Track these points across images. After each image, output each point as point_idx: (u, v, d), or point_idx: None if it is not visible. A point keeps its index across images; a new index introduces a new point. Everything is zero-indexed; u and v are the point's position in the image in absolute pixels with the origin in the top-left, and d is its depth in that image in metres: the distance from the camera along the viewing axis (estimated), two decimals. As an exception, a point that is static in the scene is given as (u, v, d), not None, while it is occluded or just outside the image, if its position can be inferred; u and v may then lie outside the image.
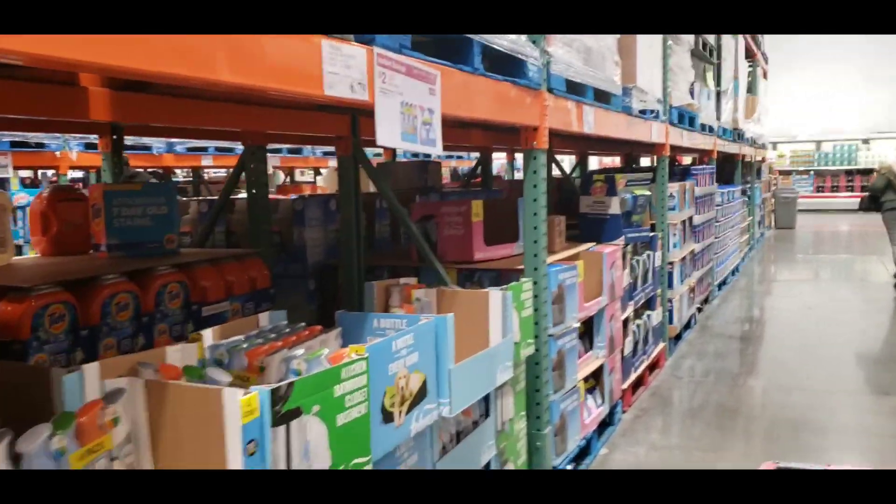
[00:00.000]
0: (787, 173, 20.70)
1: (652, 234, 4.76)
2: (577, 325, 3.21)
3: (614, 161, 18.98)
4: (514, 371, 2.57)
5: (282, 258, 3.29)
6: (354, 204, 2.98)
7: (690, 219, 5.99)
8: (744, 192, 11.36)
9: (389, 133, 1.77)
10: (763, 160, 13.97)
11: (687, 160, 9.86)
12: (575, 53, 3.10)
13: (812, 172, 20.72)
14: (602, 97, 3.56)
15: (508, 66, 2.55)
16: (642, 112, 4.31)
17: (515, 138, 4.30)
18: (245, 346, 1.82)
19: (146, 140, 7.56)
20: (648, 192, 4.29)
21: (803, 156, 20.92)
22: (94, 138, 7.25)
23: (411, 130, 1.87)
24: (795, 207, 15.37)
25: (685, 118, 5.56)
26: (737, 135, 8.79)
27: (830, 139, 20.50)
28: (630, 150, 7.61)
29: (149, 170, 8.17)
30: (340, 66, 1.58)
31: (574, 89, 3.15)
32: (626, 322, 4.11)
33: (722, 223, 7.73)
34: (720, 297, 7.56)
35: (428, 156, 5.65)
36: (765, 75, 13.70)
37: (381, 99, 1.73)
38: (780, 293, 8.24)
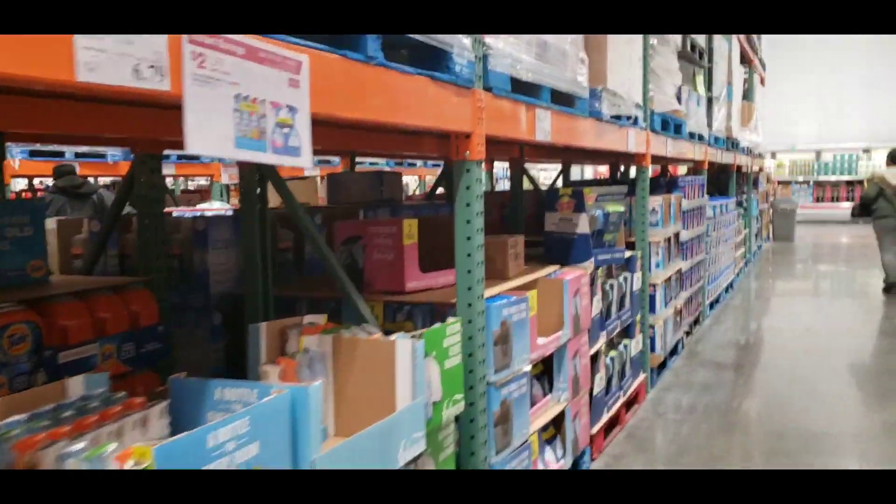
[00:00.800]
0: (786, 183, 20.22)
1: (632, 252, 4.26)
2: (529, 367, 2.71)
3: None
4: (436, 437, 2.07)
5: (181, 287, 2.79)
6: (259, 221, 2.49)
7: (677, 235, 5.49)
8: (739, 204, 10.88)
9: (211, 137, 1.27)
10: (760, 170, 13.48)
11: (683, 170, 9.39)
12: (525, 47, 2.61)
13: (812, 182, 20.23)
14: (563, 100, 3.07)
15: (431, 59, 2.06)
16: (616, 118, 3.82)
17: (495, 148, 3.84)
18: (17, 432, 1.32)
19: (101, 148, 7.09)
20: (622, 208, 3.79)
21: (802, 165, 20.43)
22: (38, 146, 6.77)
23: (255, 135, 1.37)
24: (794, 218, 14.88)
25: (670, 125, 5.07)
26: (731, 144, 8.30)
27: (830, 148, 20.02)
28: (616, 160, 7.11)
29: (101, 179, 7.68)
30: (112, 40, 1.09)
31: (524, 89, 2.66)
32: (596, 356, 3.61)
33: (714, 238, 7.23)
34: (712, 318, 7.06)
35: (401, 164, 5.15)
36: (762, 82, 13.23)
37: (196, 89, 1.23)
38: (777, 312, 7.73)
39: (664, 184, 5.75)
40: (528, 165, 5.94)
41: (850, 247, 13.77)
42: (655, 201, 4.85)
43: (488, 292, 2.65)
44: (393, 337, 1.88)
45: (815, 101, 20.70)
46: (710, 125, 6.90)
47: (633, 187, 4.55)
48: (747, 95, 10.98)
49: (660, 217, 4.85)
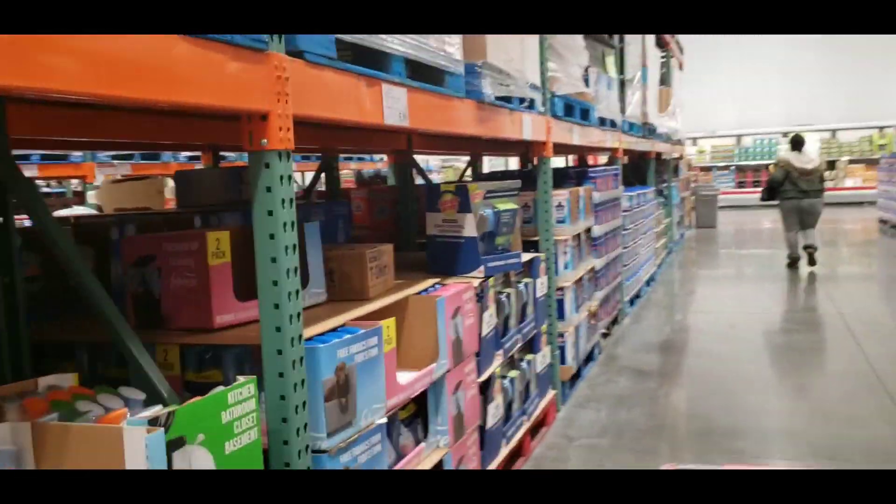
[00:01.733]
0: (707, 169, 20.21)
1: (534, 255, 3.72)
2: (384, 419, 2.11)
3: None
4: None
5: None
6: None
7: (588, 230, 5.00)
8: (660, 193, 10.56)
9: None
10: (681, 157, 13.26)
11: (604, 160, 8.97)
12: (362, 4, 2.00)
13: (733, 167, 20.27)
14: (429, 75, 2.48)
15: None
16: (506, 100, 3.25)
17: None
18: None
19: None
20: (515, 206, 3.23)
21: (723, 150, 20.46)
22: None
23: None
24: (716, 205, 14.74)
25: (576, 110, 4.55)
26: (647, 130, 7.90)
27: (751, 133, 20.10)
28: (525, 150, 6.58)
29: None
30: None
31: (368, 59, 2.06)
32: (489, 381, 3.04)
33: (631, 230, 6.79)
34: (632, 316, 6.62)
35: (217, 159, 4.46)
36: (680, 66, 12.98)
37: None
38: (699, 306, 7.36)
39: (573, 175, 5.24)
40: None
41: (771, 231, 13.67)
42: (561, 195, 4.32)
43: (329, 323, 2.05)
44: (123, 423, 1.25)
45: (734, 86, 20.78)
46: (623, 111, 6.45)
47: (536, 181, 4.01)
48: (665, 80, 10.65)
49: (567, 212, 4.33)
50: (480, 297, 2.97)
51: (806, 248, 8.60)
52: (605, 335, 5.59)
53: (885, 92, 19.71)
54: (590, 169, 5.25)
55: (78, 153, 7.37)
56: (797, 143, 8.91)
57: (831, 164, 19.23)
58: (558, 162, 7.44)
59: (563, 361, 4.25)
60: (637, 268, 7.19)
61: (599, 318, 5.29)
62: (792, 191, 8.60)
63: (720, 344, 5.59)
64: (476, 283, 2.96)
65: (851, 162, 19.29)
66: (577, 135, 4.61)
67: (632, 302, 6.92)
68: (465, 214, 3.04)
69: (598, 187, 5.29)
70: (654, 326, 6.30)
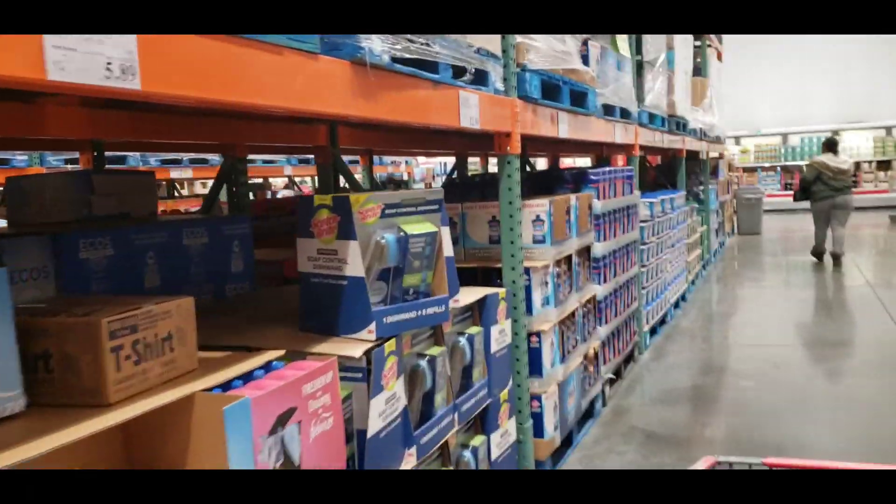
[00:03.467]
0: (751, 170, 18.77)
1: (488, 292, 2.62)
2: None
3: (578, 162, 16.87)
4: None
5: None
6: None
7: (587, 250, 3.86)
8: (696, 197, 9.34)
9: None
10: (721, 156, 11.96)
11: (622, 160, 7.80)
12: None
13: (779, 168, 18.80)
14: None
15: None
16: (431, 69, 2.16)
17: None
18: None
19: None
20: (433, 228, 2.13)
21: (768, 150, 18.98)
22: None
23: None
24: (761, 209, 13.38)
25: (562, 92, 3.41)
26: (675, 124, 6.70)
27: (797, 131, 18.59)
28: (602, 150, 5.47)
29: None
30: None
31: None
32: None
33: (653, 244, 5.62)
34: (652, 350, 5.45)
35: (101, 160, 3.38)
36: (719, 57, 11.68)
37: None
38: (737, 335, 6.14)
39: (569, 178, 4.12)
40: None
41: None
42: (538, 206, 3.20)
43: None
44: None
45: (779, 81, 19.32)
46: (641, 99, 5.28)
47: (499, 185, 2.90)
48: (700, 70, 9.42)
49: (547, 229, 3.20)
50: (366, 373, 1.89)
51: (833, 255, 9.13)
52: (612, 380, 4.45)
53: (947, 86, 18.08)
54: (591, 171, 4.11)
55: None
56: (832, 145, 9.54)
57: (886, 165, 17.69)
58: (575, 164, 6.30)
59: (539, 433, 3.13)
60: (661, 288, 6.01)
61: (602, 362, 4.15)
62: (825, 191, 9.09)
63: (763, 391, 4.40)
64: (358, 351, 1.88)
65: (910, 161, 17.69)
66: (567, 125, 3.48)
67: (654, 330, 5.75)
68: (348, 242, 1.95)
69: (602, 193, 4.15)
70: (678, 365, 5.12)
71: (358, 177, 5.63)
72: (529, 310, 3.07)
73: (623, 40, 4.82)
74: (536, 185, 4.18)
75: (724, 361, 5.19)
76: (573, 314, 3.56)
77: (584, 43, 3.86)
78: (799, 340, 5.64)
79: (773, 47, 19.23)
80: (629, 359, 4.98)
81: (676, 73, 6.55)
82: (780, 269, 9.50)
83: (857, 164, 17.71)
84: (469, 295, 2.54)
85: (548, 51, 3.18)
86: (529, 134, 3.01)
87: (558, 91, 3.36)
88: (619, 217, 4.52)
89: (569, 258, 3.52)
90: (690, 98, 8.24)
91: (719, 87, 11.32)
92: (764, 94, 19.41)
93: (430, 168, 17.18)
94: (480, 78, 2.56)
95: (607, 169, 4.37)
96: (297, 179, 12.92)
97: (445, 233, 2.21)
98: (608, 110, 4.32)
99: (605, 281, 4.20)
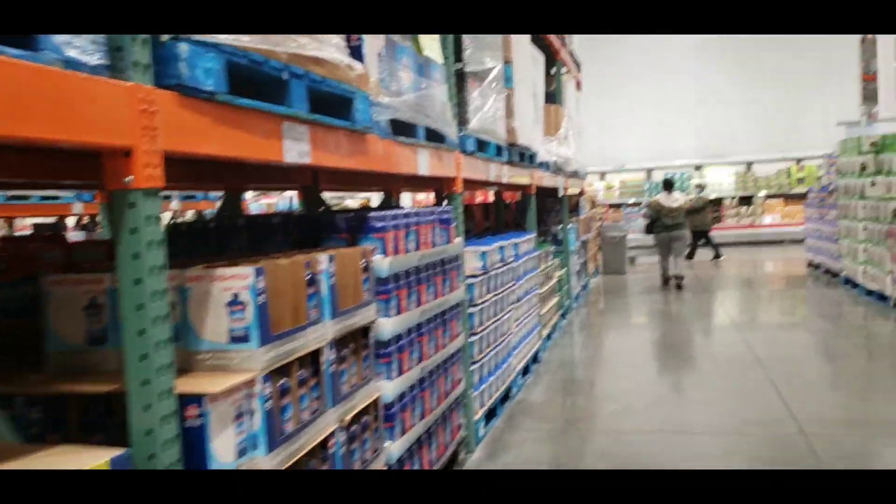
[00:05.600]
0: (617, 206, 18.30)
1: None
2: None
3: (428, 198, 15.69)
4: None
5: None
6: None
7: (364, 332, 2.57)
8: (554, 238, 8.34)
9: None
10: (582, 192, 11.13)
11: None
12: None
13: (644, 204, 18.44)
14: None
15: None
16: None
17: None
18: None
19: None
20: None
21: (633, 186, 18.62)
22: None
23: None
24: (625, 247, 12.67)
25: (289, 88, 2.11)
26: (519, 155, 5.59)
27: (662, 166, 18.30)
28: (439, 186, 4.17)
29: None
30: None
31: None
32: None
33: (488, 303, 4.42)
34: (489, 441, 4.22)
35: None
36: (578, 86, 10.90)
37: None
38: (599, 414, 5.01)
39: (342, 225, 2.83)
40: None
41: (689, 277, 11.66)
42: (236, 279, 1.88)
43: None
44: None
45: (643, 117, 19.10)
46: (463, 119, 4.10)
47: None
48: (555, 97, 8.49)
49: (253, 318, 1.88)
50: None
51: (675, 277, 10.33)
52: None
53: (802, 123, 18.33)
54: (375, 214, 2.84)
55: None
56: (668, 185, 10.81)
57: (746, 200, 17.65)
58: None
59: None
60: (503, 356, 4.82)
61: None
62: (662, 226, 10.38)
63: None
64: None
65: (769, 197, 17.70)
66: (306, 144, 2.19)
67: (493, 412, 4.53)
68: None
69: (392, 245, 2.88)
70: (520, 466, 3.90)
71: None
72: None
73: (431, 39, 3.62)
74: (294, 235, 2.87)
75: (578, 459, 4.00)
76: (326, 443, 2.24)
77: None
78: (671, 424, 4.56)
79: (637, 82, 19.04)
80: (452, 462, 3.72)
81: (519, 93, 5.45)
82: (644, 314, 8.61)
83: (720, 200, 17.61)
84: None
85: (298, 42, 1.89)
86: (195, 153, 1.69)
87: (282, 85, 2.07)
88: (427, 277, 3.27)
89: (314, 356, 2.21)
90: (543, 127, 7.24)
91: (578, 118, 10.51)
92: (628, 130, 19.14)
93: (271, 203, 15.64)
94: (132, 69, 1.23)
95: (405, 211, 3.11)
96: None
97: None
98: (401, 128, 3.07)
99: (400, 372, 2.91)
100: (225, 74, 1.78)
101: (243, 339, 1.89)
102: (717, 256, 13.73)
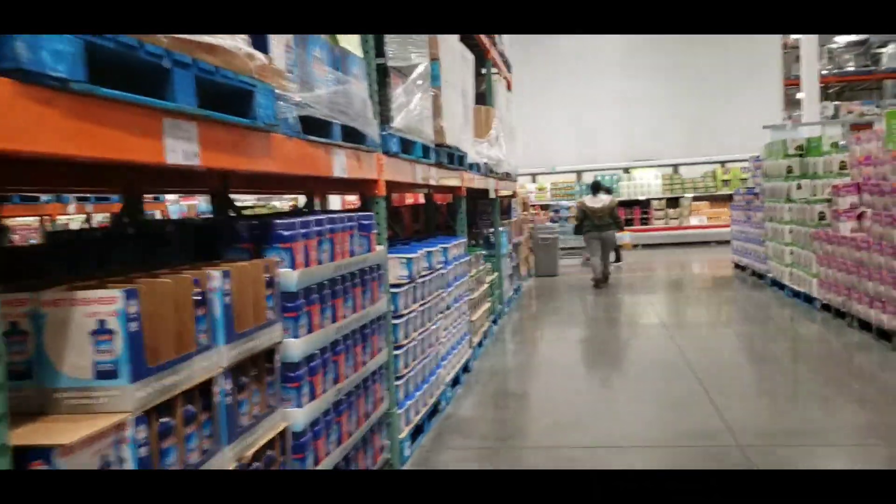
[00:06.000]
0: (547, 208, 18.27)
1: None
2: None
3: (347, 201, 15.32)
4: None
5: None
6: None
7: (269, 356, 2.27)
8: (486, 241, 8.16)
9: None
10: (514, 195, 10.99)
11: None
12: None
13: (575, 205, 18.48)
14: None
15: None
16: None
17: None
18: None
19: None
20: None
21: (564, 188, 18.66)
22: None
23: None
24: (557, 249, 12.61)
25: (172, 77, 1.82)
26: (447, 156, 5.36)
27: (591, 168, 18.40)
28: (362, 190, 3.84)
29: None
30: None
31: None
32: None
33: (415, 314, 4.17)
34: (415, 460, 3.97)
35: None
36: (509, 86, 10.75)
37: None
38: (530, 427, 4.82)
39: (244, 234, 2.53)
40: None
41: (618, 277, 11.64)
42: (102, 303, 1.58)
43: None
44: None
45: (571, 120, 19.15)
46: (384, 117, 3.84)
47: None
48: (485, 98, 8.31)
49: (123, 349, 1.58)
50: None
51: (603, 275, 10.67)
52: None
53: (727, 126, 18.64)
54: (282, 221, 2.55)
55: None
56: (594, 188, 11.16)
57: (673, 202, 17.87)
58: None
59: None
60: (431, 368, 4.58)
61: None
62: (590, 226, 10.61)
63: None
64: None
65: (696, 199, 17.97)
66: (192, 145, 1.89)
67: (420, 429, 4.28)
68: None
69: (302, 256, 2.60)
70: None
71: None
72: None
73: (353, 38, 3.35)
74: (190, 246, 2.56)
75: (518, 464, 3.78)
76: None
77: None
78: (607, 433, 4.40)
79: (564, 84, 19.08)
80: (375, 488, 3.44)
81: (447, 93, 5.22)
82: (575, 318, 8.50)
83: (647, 202, 17.80)
84: None
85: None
86: (36, 152, 1.38)
87: (164, 75, 1.77)
88: (345, 289, 3.00)
89: (204, 387, 1.91)
90: (473, 128, 7.03)
91: (510, 119, 10.36)
92: (558, 131, 19.15)
93: (192, 205, 15.03)
94: None
95: (317, 217, 2.83)
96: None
97: None
98: (315, 127, 2.79)
99: (312, 397, 2.63)
100: (83, 59, 1.47)
101: (111, 374, 1.59)
102: (617, 260, 13.52)
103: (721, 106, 18.77)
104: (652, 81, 18.98)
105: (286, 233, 2.54)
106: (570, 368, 6.12)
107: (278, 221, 2.56)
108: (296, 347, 2.52)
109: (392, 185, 4.14)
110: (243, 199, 13.90)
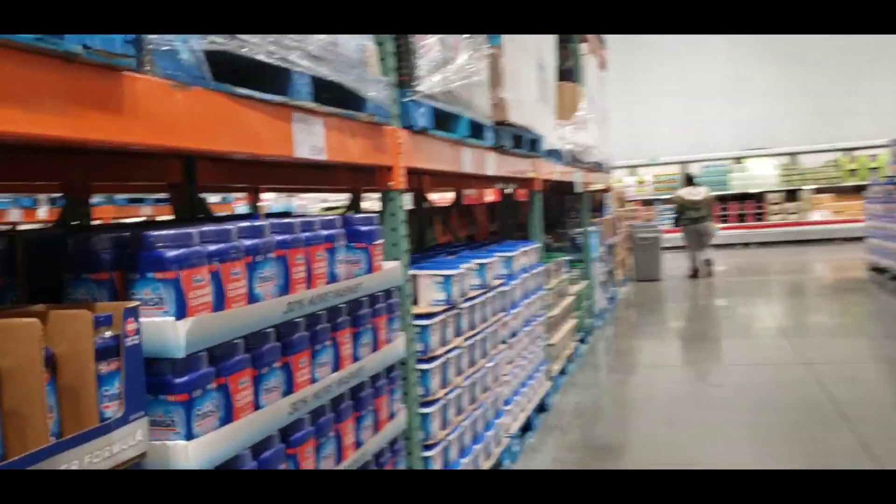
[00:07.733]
0: (649, 203, 16.66)
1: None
2: None
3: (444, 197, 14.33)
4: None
5: None
6: None
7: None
8: (573, 245, 6.93)
9: None
10: (608, 189, 9.66)
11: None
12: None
13: (680, 200, 16.80)
14: None
15: None
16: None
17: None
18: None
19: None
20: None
21: (666, 181, 16.97)
22: None
23: None
24: (658, 249, 11.11)
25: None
26: (515, 139, 4.18)
27: (698, 159, 16.67)
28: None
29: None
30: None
31: None
32: None
33: (454, 354, 3.01)
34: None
35: None
36: (602, 65, 9.41)
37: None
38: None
39: (105, 258, 1.44)
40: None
41: (729, 284, 10.07)
42: None
43: None
44: None
45: (676, 107, 17.47)
46: (405, 75, 2.69)
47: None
48: (572, 75, 7.04)
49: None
50: None
51: (705, 261, 10.60)
52: None
53: (851, 109, 16.57)
54: (165, 232, 1.47)
55: None
56: (689, 179, 11.55)
57: (791, 194, 15.94)
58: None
59: None
60: (488, 420, 3.41)
61: None
62: (687, 219, 10.67)
63: None
64: None
65: (819, 191, 16.00)
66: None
67: None
68: None
69: (218, 288, 1.49)
70: None
71: None
72: None
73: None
74: (22, 278, 1.50)
75: None
76: None
77: None
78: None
79: (671, 69, 17.45)
80: None
81: (512, 54, 4.04)
82: (686, 337, 7.12)
83: (761, 195, 15.99)
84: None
85: None
86: None
87: None
88: (311, 337, 1.88)
89: None
90: (555, 107, 5.81)
91: (603, 102, 9.03)
92: (661, 120, 17.53)
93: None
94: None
95: (249, 224, 1.71)
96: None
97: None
98: (255, 77, 1.68)
99: None
100: None
101: None
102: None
103: (846, 86, 16.71)
104: (765, 61, 17.08)
105: (171, 253, 1.44)
106: (682, 407, 4.82)
107: (157, 234, 1.45)
108: (190, 456, 1.41)
109: (432, 177, 3.00)
110: (266, 199, 12.88)
